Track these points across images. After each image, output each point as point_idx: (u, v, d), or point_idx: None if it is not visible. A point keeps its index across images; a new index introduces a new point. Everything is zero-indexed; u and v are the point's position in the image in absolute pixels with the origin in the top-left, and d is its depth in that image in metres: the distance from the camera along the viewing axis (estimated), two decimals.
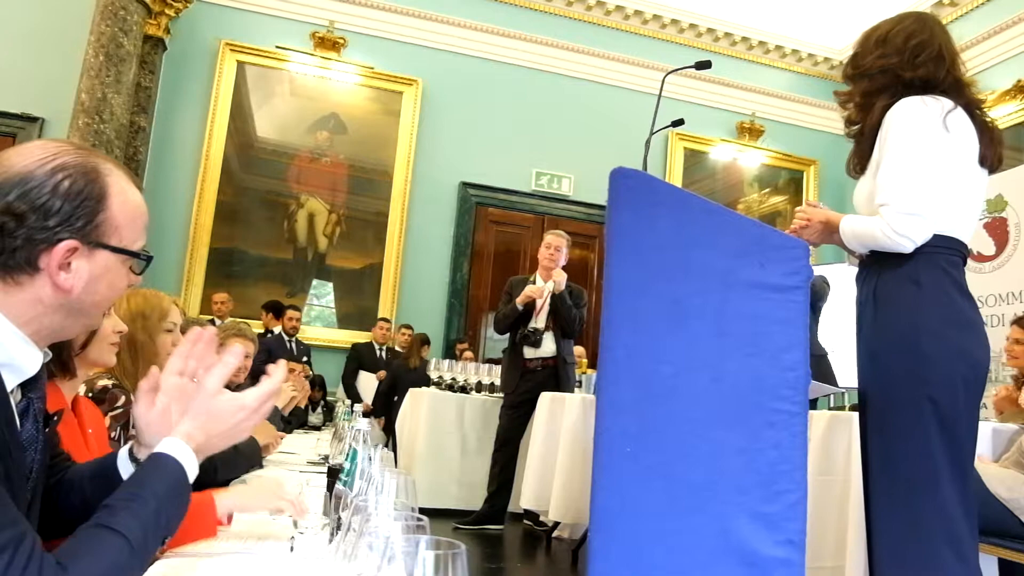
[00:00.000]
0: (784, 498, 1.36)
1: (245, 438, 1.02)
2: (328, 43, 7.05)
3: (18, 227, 0.84)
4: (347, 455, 1.32)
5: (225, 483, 1.84)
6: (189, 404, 0.97)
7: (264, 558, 1.27)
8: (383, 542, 0.68)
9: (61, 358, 1.32)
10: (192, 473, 0.93)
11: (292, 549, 1.33)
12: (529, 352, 4.33)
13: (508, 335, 4.44)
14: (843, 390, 3.28)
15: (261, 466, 2.07)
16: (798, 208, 1.87)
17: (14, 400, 0.87)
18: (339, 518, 1.22)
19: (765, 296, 1.44)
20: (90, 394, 1.66)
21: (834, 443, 2.52)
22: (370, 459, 1.25)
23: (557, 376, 4.29)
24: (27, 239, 0.84)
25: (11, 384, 0.86)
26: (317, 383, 5.16)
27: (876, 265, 1.69)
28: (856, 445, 2.34)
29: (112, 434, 1.63)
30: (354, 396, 6.25)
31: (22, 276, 0.85)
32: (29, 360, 0.88)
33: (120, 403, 1.65)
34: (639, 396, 1.41)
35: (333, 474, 1.66)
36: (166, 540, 0.91)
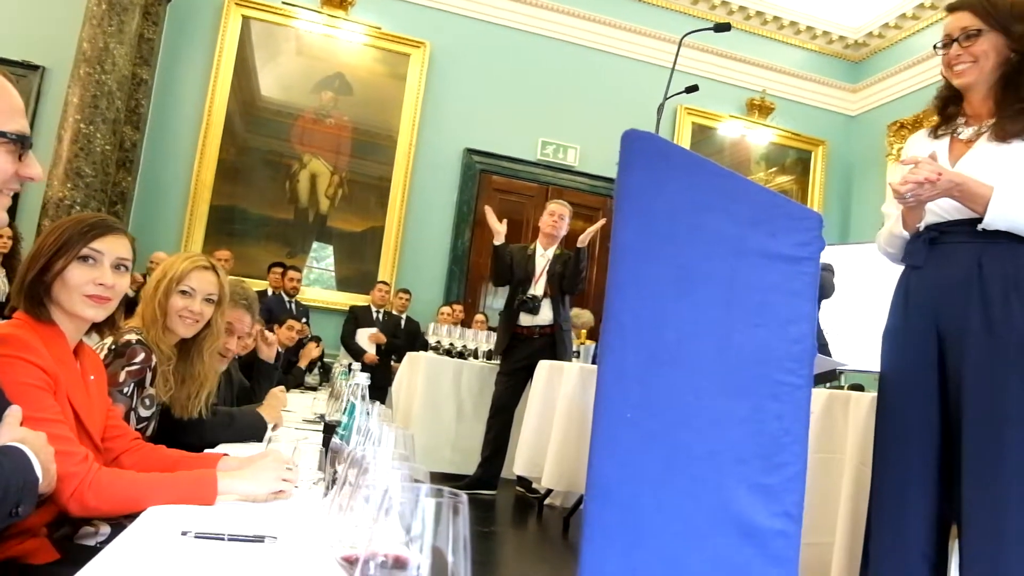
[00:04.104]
0: (784, 470, 1.34)
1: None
2: (335, 1, 6.91)
3: None
4: (345, 409, 1.31)
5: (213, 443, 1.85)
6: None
7: (258, 508, 1.26)
8: (381, 493, 0.66)
9: (38, 293, 1.32)
10: (37, 469, 1.00)
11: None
12: (526, 319, 4.33)
13: (506, 299, 4.44)
14: (849, 368, 3.27)
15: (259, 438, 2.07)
16: (920, 160, 1.64)
17: None
18: (335, 472, 1.22)
19: (775, 266, 1.41)
20: (114, 346, 1.65)
21: (832, 422, 2.51)
22: (368, 414, 1.24)
23: (554, 343, 4.30)
24: None
25: None
26: (316, 340, 5.16)
27: (1002, 246, 1.59)
28: (857, 426, 2.34)
29: (125, 389, 1.62)
30: (355, 352, 6.25)
31: None
32: None
33: (137, 359, 1.64)
34: (642, 362, 1.39)
35: (329, 430, 1.66)
36: (19, 505, 0.97)
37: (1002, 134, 1.68)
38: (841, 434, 2.46)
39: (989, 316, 1.59)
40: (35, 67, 6.15)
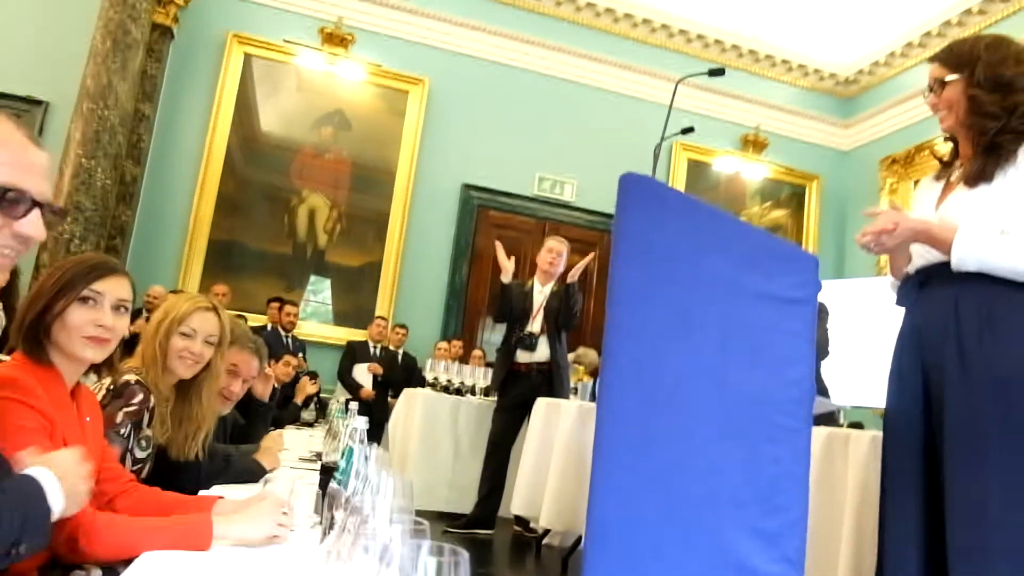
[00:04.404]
0: (784, 515, 1.34)
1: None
2: (336, 39, 7.03)
3: None
4: (342, 453, 1.30)
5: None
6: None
7: (254, 553, 1.24)
8: (381, 546, 0.65)
9: (37, 337, 1.32)
10: (53, 498, 0.99)
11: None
12: (523, 356, 4.32)
13: (503, 336, 4.43)
14: (847, 406, 3.26)
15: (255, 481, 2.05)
16: (877, 211, 1.70)
17: None
18: (332, 517, 1.21)
19: (771, 307, 1.42)
20: (112, 386, 1.64)
21: (831, 461, 2.50)
22: (366, 458, 1.23)
23: (551, 381, 4.28)
24: None
25: None
26: (312, 375, 5.13)
27: (976, 285, 1.61)
28: (856, 465, 2.33)
29: (122, 430, 1.61)
30: (352, 387, 6.22)
31: None
32: None
33: (136, 400, 1.64)
34: (641, 403, 1.39)
35: (327, 472, 1.64)
36: (19, 545, 0.95)
37: (968, 178, 1.74)
38: (841, 474, 2.44)
39: (964, 355, 1.61)
40: (39, 102, 6.22)
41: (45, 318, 1.32)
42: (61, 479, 1.01)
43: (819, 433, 2.59)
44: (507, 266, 4.25)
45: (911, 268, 1.80)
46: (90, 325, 1.33)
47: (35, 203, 0.97)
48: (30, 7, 6.24)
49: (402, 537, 0.63)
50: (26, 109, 6.16)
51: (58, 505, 1.00)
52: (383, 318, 6.60)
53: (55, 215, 1.03)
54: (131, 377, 1.65)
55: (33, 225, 0.96)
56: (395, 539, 0.63)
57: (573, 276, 4.23)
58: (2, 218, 0.94)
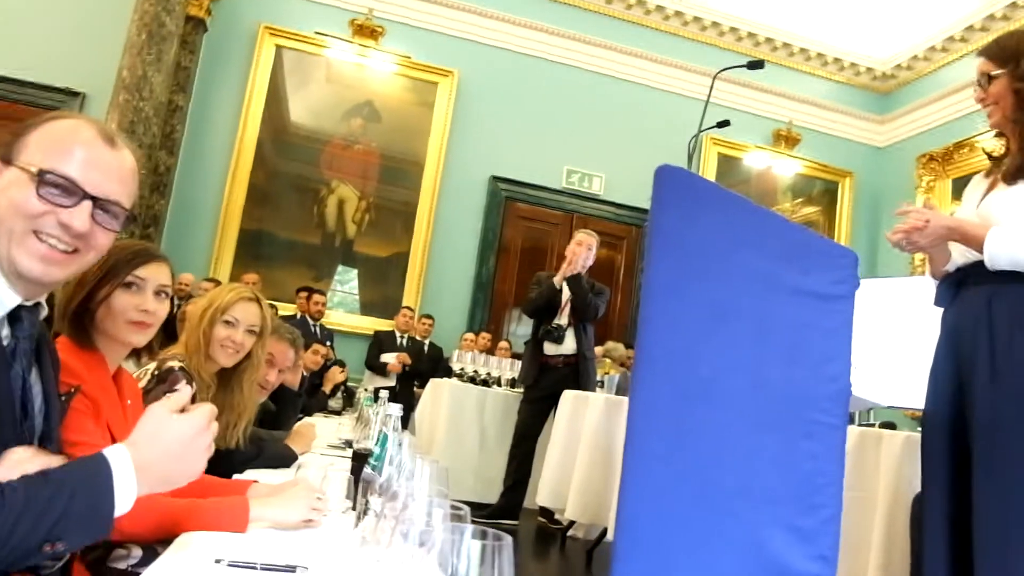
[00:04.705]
0: (819, 512, 1.32)
1: (200, 467, 0.99)
2: (366, 31, 7.06)
3: None
4: (376, 440, 1.31)
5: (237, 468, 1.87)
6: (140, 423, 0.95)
7: (289, 536, 1.26)
8: (421, 530, 0.66)
9: (83, 322, 1.34)
10: (122, 482, 0.87)
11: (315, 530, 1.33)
12: (550, 348, 4.33)
13: (531, 329, 4.44)
14: (883, 405, 3.21)
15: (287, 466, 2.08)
16: (909, 208, 1.70)
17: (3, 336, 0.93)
18: (367, 502, 1.22)
19: (809, 304, 1.40)
20: (157, 371, 1.68)
21: (863, 460, 2.47)
22: (400, 444, 1.24)
23: (577, 373, 4.29)
24: None
25: None
26: (340, 364, 5.19)
27: (1012, 285, 1.58)
28: (889, 466, 2.30)
29: None
30: (379, 369, 6.26)
31: None
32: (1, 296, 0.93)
33: (179, 386, 1.67)
34: (674, 398, 1.38)
35: (359, 458, 1.66)
36: (55, 542, 0.82)
37: (1007, 175, 1.71)
38: (873, 472, 2.42)
39: (995, 356, 1.59)
40: (76, 93, 6.34)
41: (90, 304, 1.35)
42: (147, 464, 0.90)
43: (851, 432, 2.56)
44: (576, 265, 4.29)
45: (950, 266, 1.77)
46: (134, 310, 1.36)
47: (87, 196, 0.98)
48: (68, 2, 6.36)
49: (443, 522, 0.64)
50: (64, 100, 6.29)
51: (128, 493, 0.88)
52: (410, 308, 6.64)
53: (108, 213, 1.01)
54: (175, 363, 1.69)
55: (77, 216, 0.97)
56: (436, 524, 0.64)
57: (574, 269, 4.25)
58: (47, 204, 0.96)
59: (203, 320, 1.78)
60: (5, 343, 0.94)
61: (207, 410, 1.00)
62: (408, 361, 6.31)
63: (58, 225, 0.97)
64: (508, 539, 0.57)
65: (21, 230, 0.95)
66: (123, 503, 0.88)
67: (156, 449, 0.92)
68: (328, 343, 5.82)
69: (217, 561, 1.06)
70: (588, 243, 4.39)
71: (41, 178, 0.95)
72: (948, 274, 1.79)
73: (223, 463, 1.86)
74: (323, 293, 6.37)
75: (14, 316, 0.94)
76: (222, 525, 1.23)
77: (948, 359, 1.73)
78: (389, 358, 6.33)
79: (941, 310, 1.84)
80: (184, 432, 0.95)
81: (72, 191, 0.97)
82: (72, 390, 1.09)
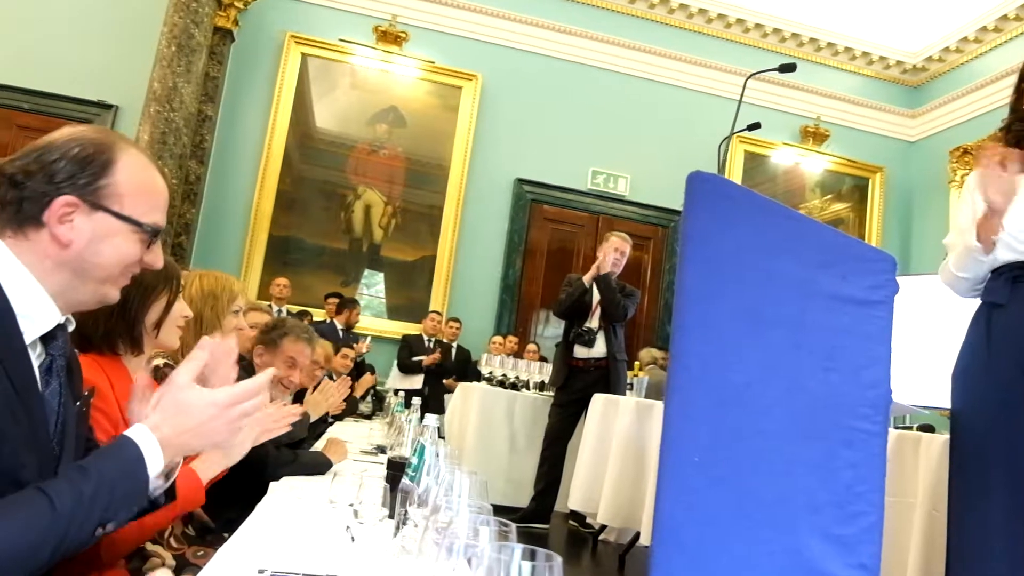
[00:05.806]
0: (859, 520, 1.31)
1: (222, 439, 1.00)
2: (390, 37, 7.12)
3: (26, 181, 0.93)
4: (414, 449, 1.33)
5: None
6: (160, 397, 0.97)
7: (330, 547, 1.28)
8: (466, 546, 0.66)
9: (132, 335, 1.39)
10: (152, 461, 0.92)
11: (352, 540, 1.34)
12: (581, 351, 4.32)
13: (562, 332, 4.45)
14: (927, 413, 3.15)
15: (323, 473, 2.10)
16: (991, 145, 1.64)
17: (35, 355, 0.94)
18: (405, 513, 1.23)
19: (846, 309, 1.38)
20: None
21: (901, 464, 2.42)
22: (437, 455, 1.25)
23: (608, 376, 4.27)
24: (33, 192, 0.93)
25: (29, 336, 0.92)
26: (371, 370, 5.24)
27: None
28: (928, 470, 2.25)
29: None
30: (412, 368, 6.30)
31: (29, 229, 0.93)
32: (46, 314, 0.94)
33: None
34: (710, 404, 1.38)
35: (395, 467, 1.67)
36: (106, 524, 0.88)
37: None
38: (911, 477, 2.37)
39: None
40: (109, 106, 6.48)
41: (140, 315, 1.39)
42: (167, 439, 0.93)
43: (889, 436, 2.52)
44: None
45: (1001, 259, 1.68)
46: (181, 317, 1.48)
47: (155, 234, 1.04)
48: (100, 16, 6.51)
49: (491, 540, 0.64)
50: (96, 113, 6.43)
51: (156, 467, 0.92)
52: (437, 312, 6.68)
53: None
54: (161, 362, 1.71)
55: (156, 255, 1.04)
56: (483, 541, 0.64)
57: (604, 269, 4.27)
58: (143, 251, 1.02)
59: (211, 314, 1.87)
60: (39, 360, 0.96)
61: (232, 391, 1.00)
62: (439, 358, 6.32)
63: (139, 264, 1.03)
64: (558, 559, 0.57)
65: (120, 274, 1.01)
66: (154, 478, 0.94)
67: (175, 425, 0.95)
68: (364, 339, 5.90)
69: (260, 572, 1.08)
70: (622, 248, 4.37)
71: (153, 236, 1.02)
72: (1001, 269, 1.71)
73: (260, 466, 1.89)
74: (357, 303, 6.44)
75: (48, 333, 0.96)
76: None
77: (1007, 357, 1.63)
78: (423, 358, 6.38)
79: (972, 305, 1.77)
80: (201, 409, 0.97)
81: (156, 235, 1.04)
82: (87, 392, 1.12)
